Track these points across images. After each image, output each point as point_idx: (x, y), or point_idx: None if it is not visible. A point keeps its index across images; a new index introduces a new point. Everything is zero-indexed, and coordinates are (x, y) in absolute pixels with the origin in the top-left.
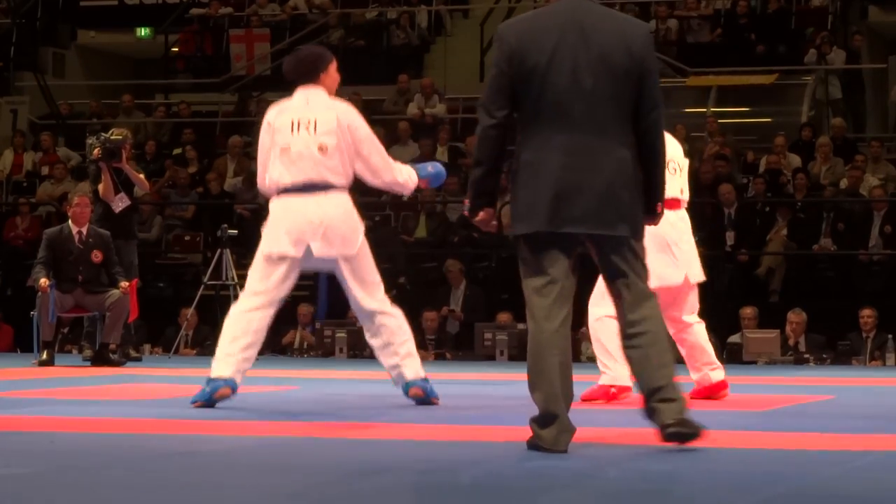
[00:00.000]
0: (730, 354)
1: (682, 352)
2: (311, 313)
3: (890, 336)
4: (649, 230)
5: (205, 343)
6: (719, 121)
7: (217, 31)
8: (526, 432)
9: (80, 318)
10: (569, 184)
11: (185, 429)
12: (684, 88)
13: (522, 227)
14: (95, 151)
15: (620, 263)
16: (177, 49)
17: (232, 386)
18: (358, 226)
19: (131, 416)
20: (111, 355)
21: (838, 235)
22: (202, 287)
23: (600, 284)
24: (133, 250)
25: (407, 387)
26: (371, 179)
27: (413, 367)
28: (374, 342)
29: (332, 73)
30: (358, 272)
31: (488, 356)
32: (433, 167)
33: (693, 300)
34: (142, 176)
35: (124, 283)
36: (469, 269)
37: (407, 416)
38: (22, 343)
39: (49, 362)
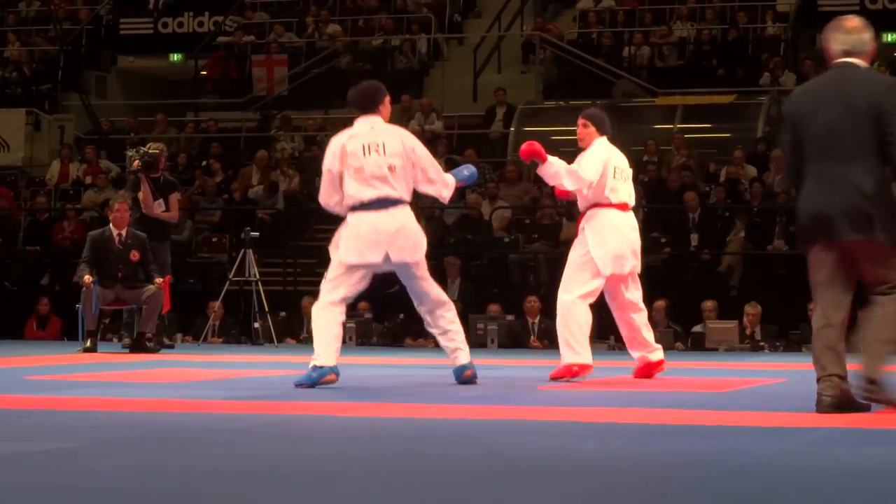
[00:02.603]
0: (693, 342)
1: (624, 332)
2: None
3: None
4: (620, 229)
5: (230, 332)
6: (685, 136)
7: (241, 57)
8: (522, 411)
9: (119, 310)
10: (818, 204)
11: (212, 408)
12: (654, 107)
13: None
14: (135, 163)
15: (877, 267)
16: (205, 72)
17: (337, 372)
18: (422, 234)
19: (165, 397)
20: (147, 343)
21: (790, 237)
22: (227, 283)
23: (568, 271)
24: (166, 250)
25: (462, 369)
26: (427, 190)
27: (466, 352)
28: (434, 330)
29: (387, 104)
30: (423, 273)
31: (480, 344)
32: (467, 170)
33: (638, 289)
34: (172, 213)
35: (159, 280)
36: (464, 266)
37: (408, 396)
38: (69, 332)
39: (92, 349)
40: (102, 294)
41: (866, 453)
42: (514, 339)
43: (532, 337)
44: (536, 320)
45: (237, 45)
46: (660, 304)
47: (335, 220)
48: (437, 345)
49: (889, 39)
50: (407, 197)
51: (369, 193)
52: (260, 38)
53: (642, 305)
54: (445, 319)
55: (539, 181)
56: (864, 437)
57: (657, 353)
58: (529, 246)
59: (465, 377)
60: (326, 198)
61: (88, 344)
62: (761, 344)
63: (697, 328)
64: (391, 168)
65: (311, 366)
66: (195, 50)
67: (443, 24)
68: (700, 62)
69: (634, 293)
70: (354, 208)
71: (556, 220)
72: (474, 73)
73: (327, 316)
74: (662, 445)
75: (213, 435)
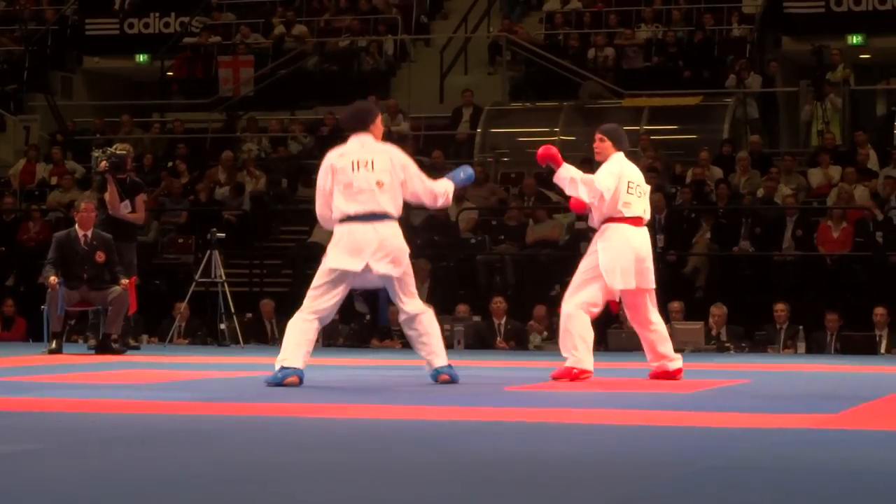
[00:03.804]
0: None
1: (644, 345)
2: (273, 308)
3: (801, 327)
4: (632, 244)
5: (196, 333)
6: (651, 137)
7: (207, 58)
8: (489, 412)
9: (85, 311)
10: None
11: (178, 409)
12: (620, 109)
13: None
14: (102, 164)
15: None
16: (171, 73)
17: (301, 375)
18: (405, 249)
19: (131, 399)
20: (113, 344)
21: (755, 238)
22: (194, 284)
23: (576, 280)
24: (133, 251)
25: (436, 373)
26: (418, 202)
27: (441, 356)
28: (410, 334)
29: (379, 125)
30: (405, 286)
31: (447, 345)
32: (464, 173)
33: (653, 303)
34: (138, 214)
35: (125, 281)
36: (431, 268)
37: (374, 397)
38: (34, 333)
39: (58, 350)
40: (68, 295)
41: (833, 454)
42: (481, 340)
43: (498, 338)
44: (503, 321)
45: (203, 45)
46: None
47: (302, 222)
48: (404, 346)
49: (854, 42)
50: (394, 213)
51: (356, 207)
52: (226, 39)
53: (659, 318)
54: (421, 325)
55: (506, 182)
56: (831, 438)
57: (675, 363)
58: (496, 247)
59: (442, 381)
60: (322, 211)
61: (54, 345)
62: (727, 345)
63: None
64: (379, 184)
65: (277, 366)
66: (161, 51)
67: (409, 26)
68: (666, 64)
69: (652, 309)
70: (342, 221)
71: (523, 221)
72: (441, 75)
73: (301, 323)
74: (629, 447)
75: (179, 436)
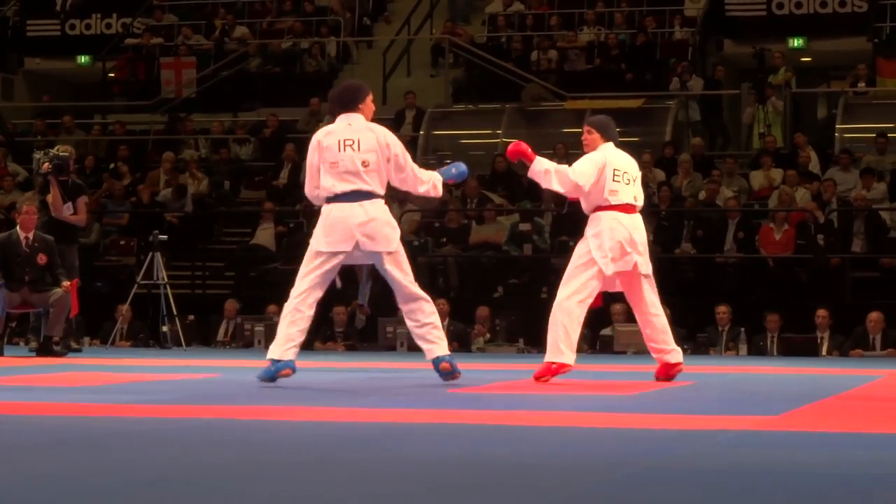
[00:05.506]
0: (602, 346)
1: (645, 333)
2: (236, 309)
3: (742, 329)
4: (623, 228)
5: (138, 336)
6: None
7: (149, 59)
8: (432, 414)
9: (26, 313)
10: None
11: (121, 412)
12: (563, 111)
13: None
14: (45, 165)
15: None
16: (113, 74)
17: (292, 367)
18: (395, 227)
19: (73, 401)
20: (54, 347)
21: (697, 241)
22: (136, 286)
23: (568, 271)
24: (74, 253)
25: (438, 361)
26: (402, 186)
27: (442, 345)
28: (410, 323)
29: (369, 104)
30: (398, 265)
31: (390, 347)
32: (456, 168)
33: (652, 288)
34: (79, 216)
35: (66, 283)
36: (374, 269)
37: (316, 399)
38: None
39: None
40: (9, 297)
41: (774, 456)
42: None
43: None
44: (446, 323)
45: (145, 47)
46: None
47: (245, 224)
48: (347, 348)
49: (795, 45)
50: (380, 191)
51: (342, 187)
52: (168, 41)
53: (660, 308)
54: (422, 313)
55: (457, 186)
56: (773, 440)
57: (675, 355)
58: (439, 249)
59: (441, 369)
60: (310, 190)
61: None
62: None
63: (606, 331)
64: (365, 163)
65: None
66: (103, 52)
67: (352, 28)
68: (609, 66)
69: (651, 294)
70: (329, 200)
71: (465, 223)
72: (384, 77)
73: (292, 314)
74: (571, 448)
75: (121, 439)
